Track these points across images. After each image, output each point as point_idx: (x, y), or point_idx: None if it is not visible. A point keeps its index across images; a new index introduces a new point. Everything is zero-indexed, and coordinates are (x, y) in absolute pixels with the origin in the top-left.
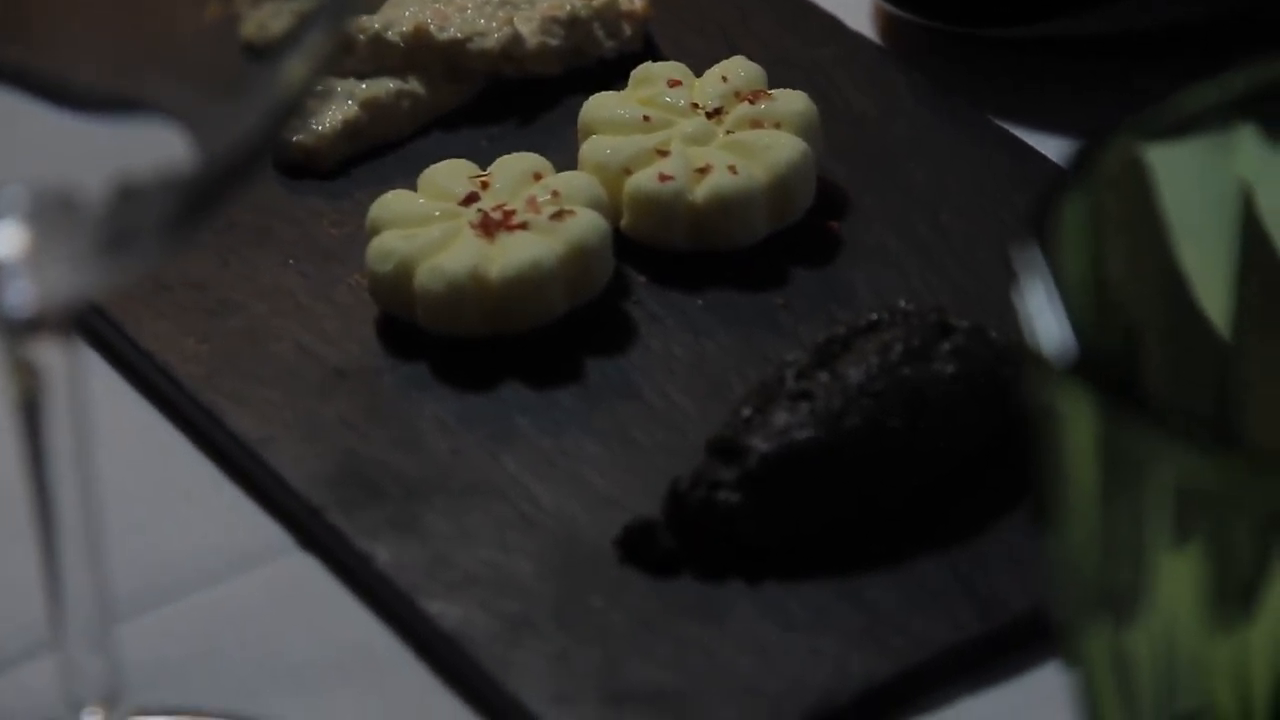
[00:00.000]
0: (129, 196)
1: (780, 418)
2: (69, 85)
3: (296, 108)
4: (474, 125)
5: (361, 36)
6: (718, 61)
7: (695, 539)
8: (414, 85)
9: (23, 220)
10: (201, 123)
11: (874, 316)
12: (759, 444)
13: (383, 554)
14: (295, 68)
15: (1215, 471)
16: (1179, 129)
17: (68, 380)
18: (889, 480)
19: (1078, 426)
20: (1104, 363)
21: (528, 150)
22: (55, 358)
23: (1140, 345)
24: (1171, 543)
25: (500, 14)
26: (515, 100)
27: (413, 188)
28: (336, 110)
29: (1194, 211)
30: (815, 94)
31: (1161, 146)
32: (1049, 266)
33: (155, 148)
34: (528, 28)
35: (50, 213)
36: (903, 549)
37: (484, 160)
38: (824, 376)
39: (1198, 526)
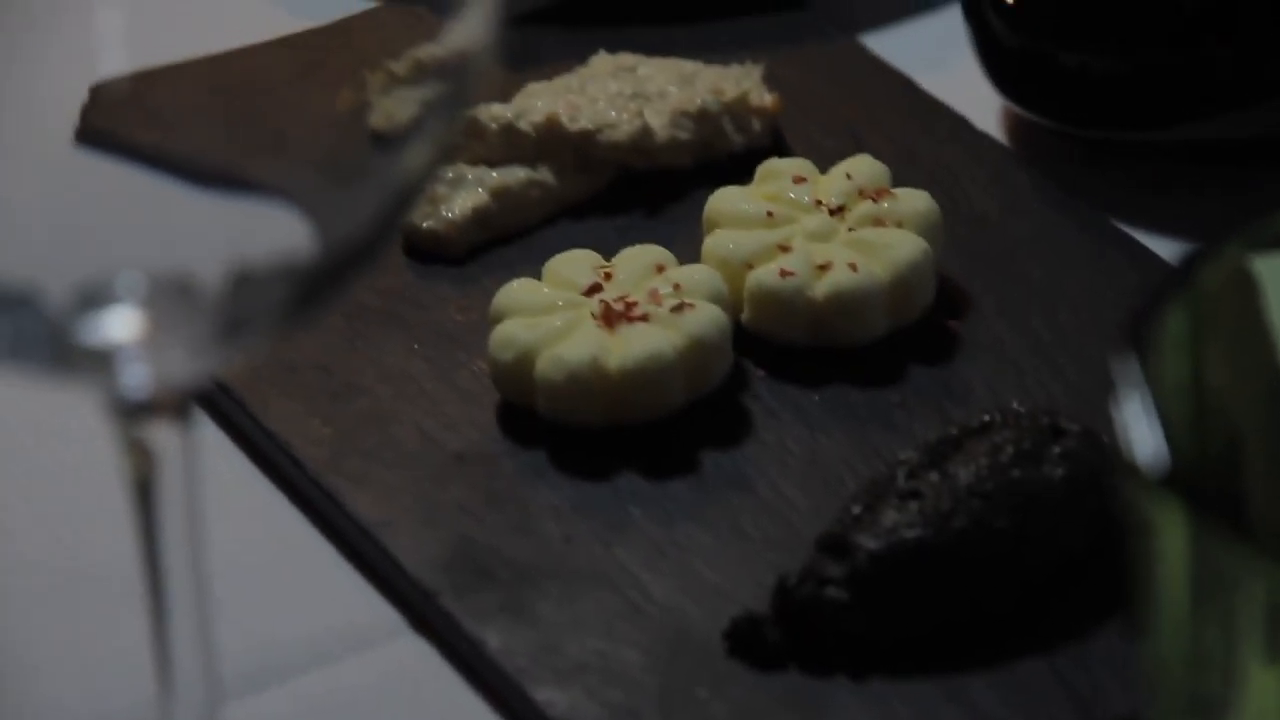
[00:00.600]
0: (246, 283)
1: (889, 516)
2: (194, 167)
3: (416, 196)
4: (602, 215)
5: (494, 125)
6: (845, 158)
7: (802, 634)
8: (544, 175)
9: (140, 305)
10: (322, 209)
11: (986, 418)
12: (867, 542)
13: (493, 639)
14: (417, 156)
15: None
16: None
17: (182, 461)
18: (995, 581)
19: (1170, 538)
20: (1201, 474)
21: (654, 241)
22: (170, 439)
23: (1242, 454)
24: (1262, 657)
25: (631, 106)
26: (643, 191)
27: (538, 275)
28: (467, 198)
29: None
30: (939, 192)
31: (1269, 257)
32: (1147, 377)
33: (274, 233)
34: (658, 121)
35: (168, 298)
36: (1006, 649)
37: (610, 250)
38: (934, 476)
39: None
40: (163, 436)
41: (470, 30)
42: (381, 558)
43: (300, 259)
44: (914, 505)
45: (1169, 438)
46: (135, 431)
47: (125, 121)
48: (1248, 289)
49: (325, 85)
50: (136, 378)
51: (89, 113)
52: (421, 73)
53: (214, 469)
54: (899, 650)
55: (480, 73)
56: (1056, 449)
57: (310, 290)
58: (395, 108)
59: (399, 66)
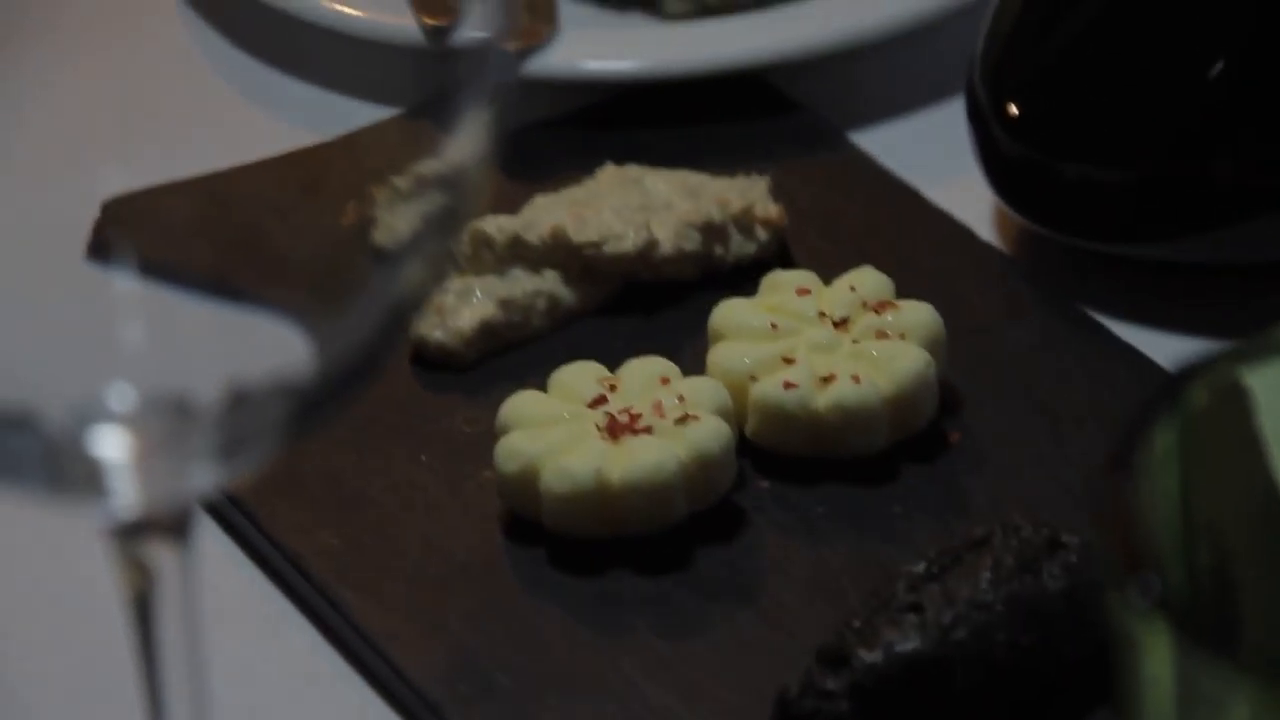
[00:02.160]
0: (243, 402)
1: (889, 630)
2: (192, 283)
3: (414, 311)
4: (606, 323)
5: (501, 237)
6: (850, 267)
7: None
8: (551, 284)
9: (134, 424)
10: (320, 326)
11: (986, 531)
12: (866, 655)
13: None
14: (415, 270)
15: None
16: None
17: (180, 579)
18: (993, 693)
19: (1156, 659)
20: (1191, 593)
21: (657, 350)
22: (167, 557)
23: (1232, 571)
24: None
25: (638, 218)
26: (648, 300)
27: (544, 386)
28: (475, 310)
29: None
30: (941, 302)
31: (1261, 370)
32: (1135, 497)
33: (271, 350)
34: (664, 232)
35: (163, 417)
36: None
37: (614, 358)
38: (934, 588)
39: None
40: (160, 554)
41: (467, 144)
42: (387, 669)
43: (298, 377)
44: (913, 618)
45: (1157, 556)
46: (132, 549)
47: (135, 237)
48: (1239, 402)
49: (328, 201)
50: (130, 497)
51: (100, 227)
52: (422, 187)
53: (221, 578)
54: None
55: (477, 186)
56: (1056, 562)
57: (308, 408)
58: (398, 223)
59: (402, 182)
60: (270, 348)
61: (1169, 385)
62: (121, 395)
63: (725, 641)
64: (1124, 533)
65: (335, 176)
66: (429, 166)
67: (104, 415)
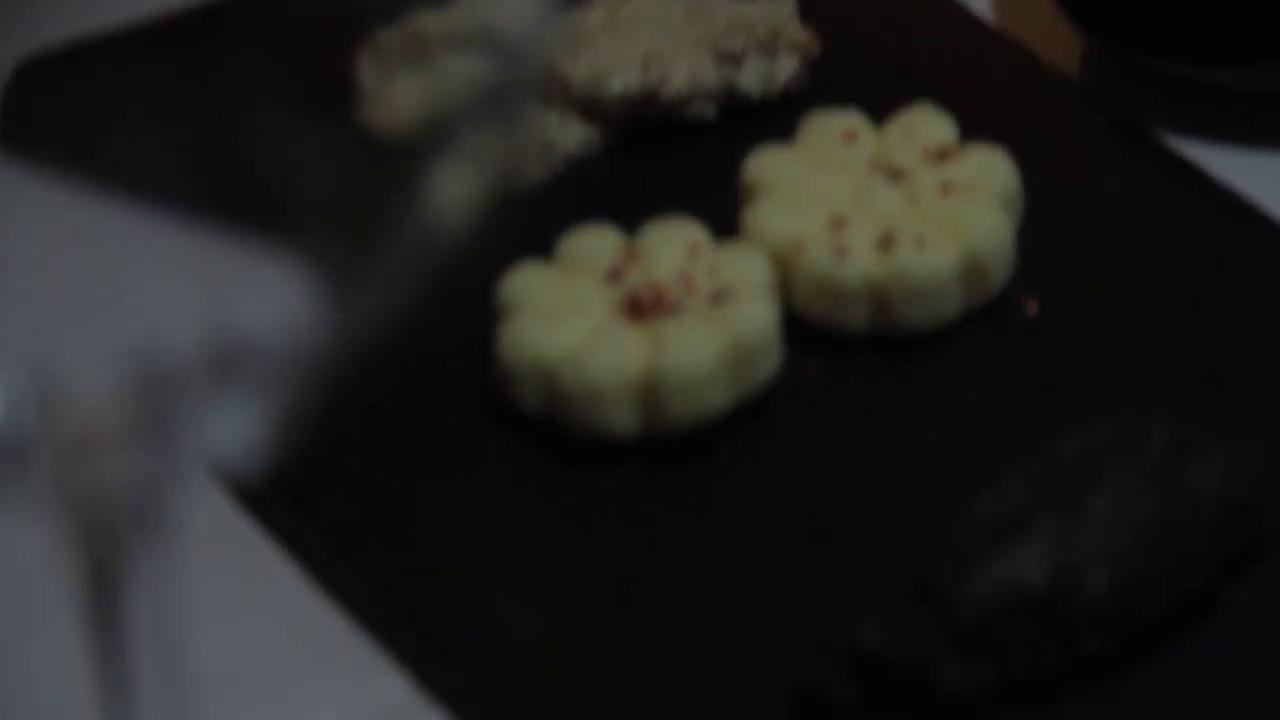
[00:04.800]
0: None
1: (995, 557)
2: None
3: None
4: (615, 175)
5: None
6: (896, 105)
7: (880, 692)
8: (545, 127)
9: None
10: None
11: (1097, 435)
12: (969, 587)
13: None
14: (453, 179)
15: None
16: None
17: (150, 578)
18: (1124, 622)
19: None
20: None
21: (677, 207)
22: (137, 551)
23: None
24: None
25: (643, 46)
26: (661, 147)
27: (548, 255)
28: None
29: None
30: (1009, 145)
31: None
32: None
33: (262, 291)
34: (675, 64)
35: (124, 377)
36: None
37: (627, 221)
38: (1048, 504)
39: None
40: (129, 551)
41: None
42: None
43: (295, 330)
44: (1029, 542)
45: None
46: (96, 545)
47: (59, 114)
48: None
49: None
50: (95, 479)
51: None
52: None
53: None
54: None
55: (538, 42)
56: (1188, 467)
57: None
58: (399, 97)
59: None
60: (263, 288)
61: None
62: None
63: (773, 562)
64: None
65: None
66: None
67: (65, 388)
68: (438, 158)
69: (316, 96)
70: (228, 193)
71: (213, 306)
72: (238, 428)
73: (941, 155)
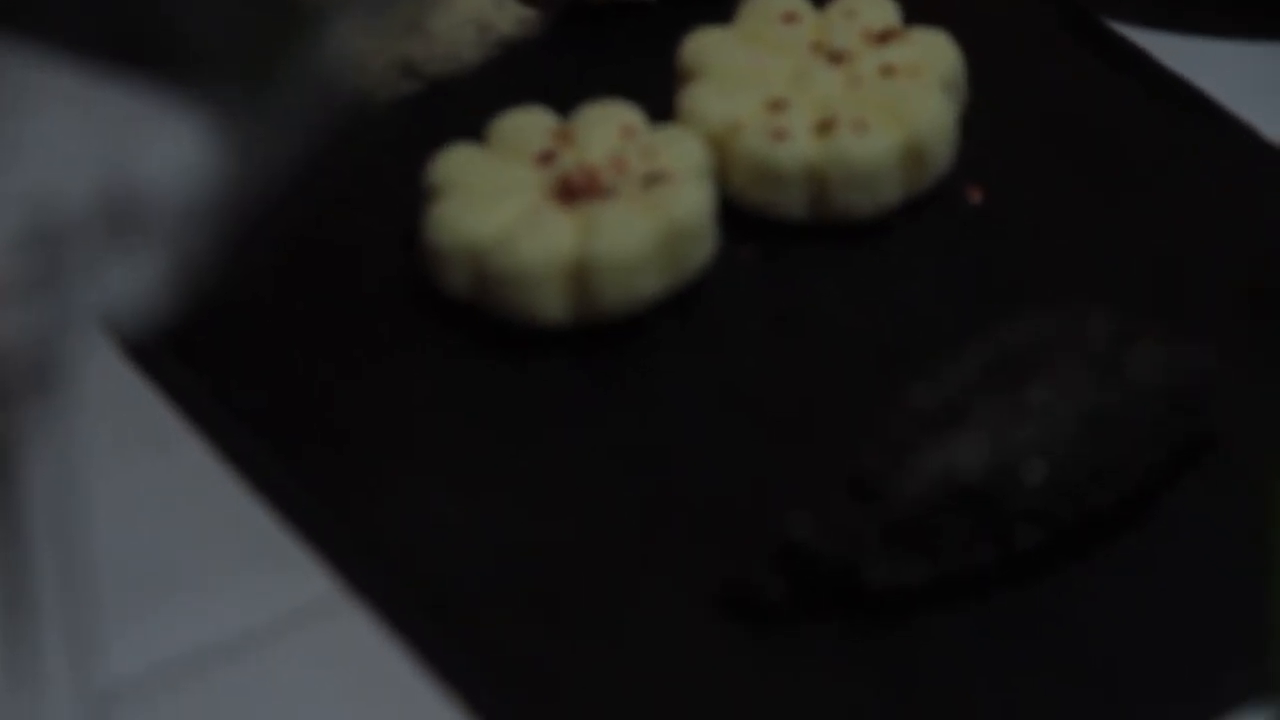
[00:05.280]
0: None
1: (932, 449)
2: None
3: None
4: (551, 58)
5: None
6: None
7: (810, 587)
8: (480, 9)
9: None
10: (227, 106)
11: (1038, 326)
12: (904, 482)
13: None
14: (349, 33)
15: None
16: None
17: (48, 444)
18: (1063, 516)
19: None
20: None
21: (614, 93)
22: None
23: None
24: None
25: None
26: (598, 27)
27: (479, 137)
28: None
29: None
30: (954, 27)
31: None
32: None
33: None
34: None
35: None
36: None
37: (561, 104)
38: (987, 395)
39: None
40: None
41: None
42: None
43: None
44: (964, 434)
45: None
46: None
47: None
48: None
49: None
50: None
51: None
52: None
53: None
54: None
55: None
56: (1130, 359)
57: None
58: None
59: None
60: (162, 138)
61: None
62: None
63: (699, 459)
64: None
65: None
66: None
67: None
68: (342, 6)
69: None
70: (127, 38)
71: (110, 156)
72: (134, 282)
73: (883, 38)
